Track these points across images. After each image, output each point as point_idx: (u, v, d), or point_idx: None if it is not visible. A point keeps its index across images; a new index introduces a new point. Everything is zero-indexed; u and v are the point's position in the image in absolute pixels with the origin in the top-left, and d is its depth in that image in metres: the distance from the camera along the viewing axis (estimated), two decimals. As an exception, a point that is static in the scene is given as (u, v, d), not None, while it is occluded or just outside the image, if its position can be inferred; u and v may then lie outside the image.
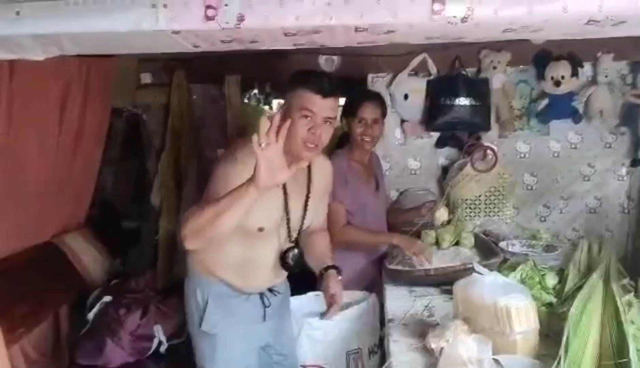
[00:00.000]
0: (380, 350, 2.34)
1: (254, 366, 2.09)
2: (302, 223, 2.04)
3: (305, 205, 2.02)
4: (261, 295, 2.07)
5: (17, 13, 1.37)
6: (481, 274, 1.70)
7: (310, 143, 1.82)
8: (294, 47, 1.59)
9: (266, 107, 4.87)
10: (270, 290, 2.11)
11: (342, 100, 2.34)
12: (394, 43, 1.61)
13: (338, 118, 1.95)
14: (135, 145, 3.62)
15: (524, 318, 1.55)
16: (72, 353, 2.50)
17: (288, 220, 1.98)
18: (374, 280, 2.61)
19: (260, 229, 1.90)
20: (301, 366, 2.36)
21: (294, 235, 2.04)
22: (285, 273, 2.15)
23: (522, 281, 1.95)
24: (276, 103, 4.94)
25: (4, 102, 2.09)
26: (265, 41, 1.47)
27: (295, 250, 2.03)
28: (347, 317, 2.33)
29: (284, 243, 2.03)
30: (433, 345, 1.59)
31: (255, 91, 4.50)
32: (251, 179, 1.52)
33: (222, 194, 1.62)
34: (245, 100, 4.32)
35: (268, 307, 2.08)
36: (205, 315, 1.95)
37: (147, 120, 3.40)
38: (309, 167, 1.99)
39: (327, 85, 1.84)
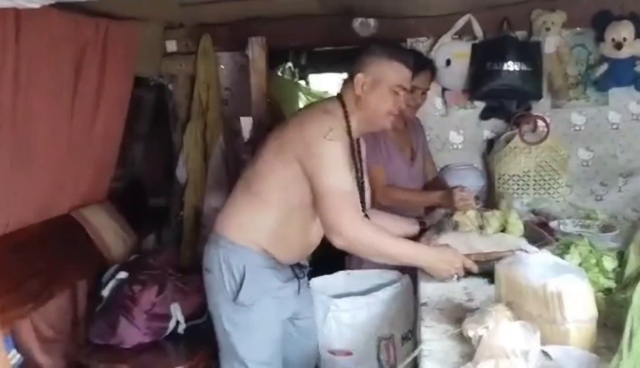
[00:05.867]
0: (415, 337, 2.16)
1: (281, 338, 2.08)
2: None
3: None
4: (292, 267, 2.06)
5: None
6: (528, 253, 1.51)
7: (393, 114, 1.96)
8: None
9: (302, 82, 4.68)
10: (299, 263, 2.12)
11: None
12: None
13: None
14: (164, 119, 3.51)
15: (578, 304, 1.34)
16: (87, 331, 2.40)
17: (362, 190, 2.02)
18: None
19: None
20: (328, 352, 2.22)
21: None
22: None
23: (579, 264, 1.73)
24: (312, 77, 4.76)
25: (9, 64, 1.98)
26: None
27: None
28: (378, 299, 2.17)
29: None
30: (470, 333, 1.41)
31: (290, 64, 4.32)
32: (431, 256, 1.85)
33: (346, 173, 1.81)
34: (279, 74, 4.15)
35: (302, 278, 2.10)
36: (243, 286, 1.90)
37: (174, 91, 3.27)
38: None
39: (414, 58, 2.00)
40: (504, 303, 1.47)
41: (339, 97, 1.99)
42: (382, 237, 1.82)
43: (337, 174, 1.78)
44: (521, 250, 1.58)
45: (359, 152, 2.05)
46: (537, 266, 1.44)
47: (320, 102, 2.10)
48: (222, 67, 3.28)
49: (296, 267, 2.09)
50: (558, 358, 1.27)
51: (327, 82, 5.23)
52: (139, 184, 3.65)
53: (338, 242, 1.79)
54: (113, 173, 2.85)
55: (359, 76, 1.92)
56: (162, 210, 3.52)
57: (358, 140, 2.05)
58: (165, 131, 3.52)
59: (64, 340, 2.41)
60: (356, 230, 1.76)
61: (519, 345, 1.27)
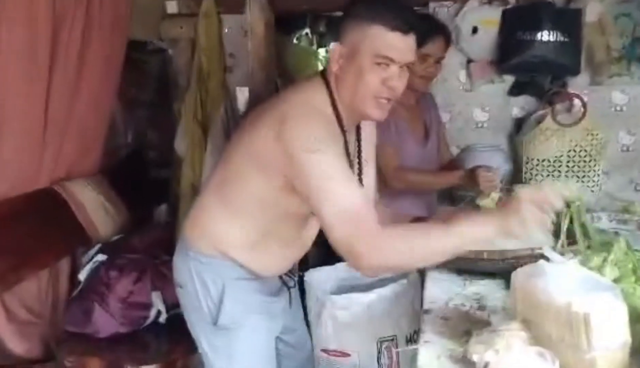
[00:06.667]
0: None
1: (274, 359, 1.78)
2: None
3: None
4: (280, 277, 1.79)
5: None
6: (552, 262, 1.30)
7: (383, 98, 1.49)
8: None
9: (321, 50, 4.42)
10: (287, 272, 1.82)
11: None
12: None
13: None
14: (167, 86, 3.32)
15: (609, 328, 1.14)
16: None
17: None
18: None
19: None
20: (322, 350, 2.05)
21: None
22: None
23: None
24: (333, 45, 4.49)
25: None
26: None
27: None
28: (380, 296, 2.00)
29: None
30: (475, 357, 1.20)
31: (307, 31, 4.06)
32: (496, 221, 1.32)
33: (344, 182, 1.38)
34: (295, 41, 3.91)
35: (292, 288, 1.84)
36: (222, 306, 1.62)
37: (174, 56, 3.06)
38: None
39: (409, 17, 1.48)
40: (518, 321, 1.27)
41: (323, 75, 1.56)
42: (412, 237, 1.38)
43: (332, 192, 1.37)
44: (543, 255, 1.33)
45: (359, 140, 1.69)
46: (561, 279, 1.23)
47: (301, 88, 1.61)
48: (226, 31, 3.05)
49: (284, 275, 1.80)
50: (580, 398, 1.06)
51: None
52: (141, 154, 3.50)
53: (366, 273, 1.54)
54: (103, 144, 2.63)
55: (334, 47, 1.51)
56: (165, 182, 3.36)
57: (358, 125, 1.68)
58: (171, 99, 3.35)
59: (42, 324, 2.25)
60: (378, 248, 1.33)
61: (534, 375, 1.08)
